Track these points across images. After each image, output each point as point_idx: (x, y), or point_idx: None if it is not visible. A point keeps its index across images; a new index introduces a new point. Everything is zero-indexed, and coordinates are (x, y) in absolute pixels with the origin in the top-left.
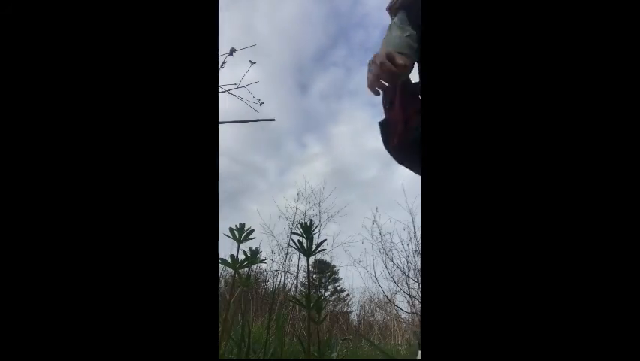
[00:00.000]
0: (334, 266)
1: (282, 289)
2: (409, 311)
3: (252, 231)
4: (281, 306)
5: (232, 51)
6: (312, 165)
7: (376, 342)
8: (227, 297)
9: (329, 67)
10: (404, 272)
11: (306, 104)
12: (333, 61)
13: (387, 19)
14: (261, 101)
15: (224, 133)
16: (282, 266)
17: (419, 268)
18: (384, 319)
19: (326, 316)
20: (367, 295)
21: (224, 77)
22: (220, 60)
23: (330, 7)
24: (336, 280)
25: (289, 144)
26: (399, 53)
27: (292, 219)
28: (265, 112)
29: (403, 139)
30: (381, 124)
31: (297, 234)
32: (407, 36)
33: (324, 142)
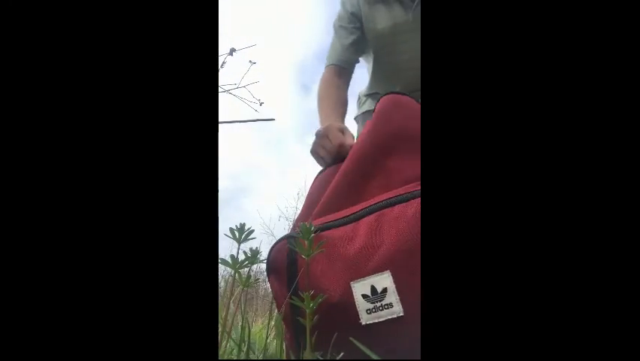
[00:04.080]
0: None
1: None
2: None
3: (252, 231)
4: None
5: (232, 51)
6: (314, 165)
7: None
8: (227, 297)
9: None
10: None
11: (309, 104)
12: None
13: None
14: (261, 101)
15: (225, 133)
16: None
17: None
18: None
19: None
20: None
21: (225, 77)
22: (220, 60)
23: (334, 6)
24: None
25: (291, 144)
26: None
27: (292, 219)
28: (267, 112)
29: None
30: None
31: (293, 234)
32: (350, 44)
33: None
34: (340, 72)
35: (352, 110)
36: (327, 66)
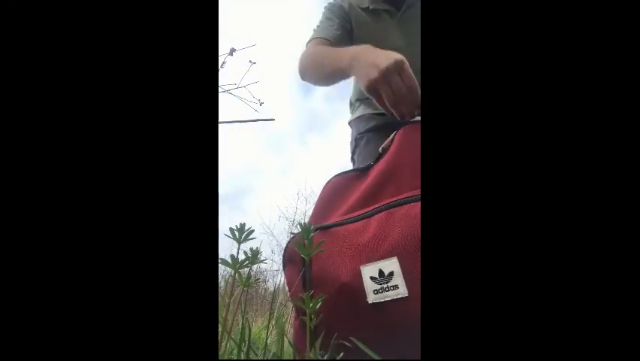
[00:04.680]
0: None
1: (282, 289)
2: None
3: (252, 231)
4: (281, 306)
5: (232, 51)
6: (315, 165)
7: None
8: (227, 297)
9: None
10: None
11: (310, 104)
12: None
13: None
14: (261, 101)
15: (225, 133)
16: (282, 266)
17: None
18: None
19: (320, 315)
20: None
21: (225, 77)
22: (220, 60)
23: None
24: None
25: (291, 144)
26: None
27: (292, 219)
28: (267, 112)
29: None
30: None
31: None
32: (341, 31)
33: (328, 142)
34: (323, 43)
35: (345, 113)
36: (313, 39)
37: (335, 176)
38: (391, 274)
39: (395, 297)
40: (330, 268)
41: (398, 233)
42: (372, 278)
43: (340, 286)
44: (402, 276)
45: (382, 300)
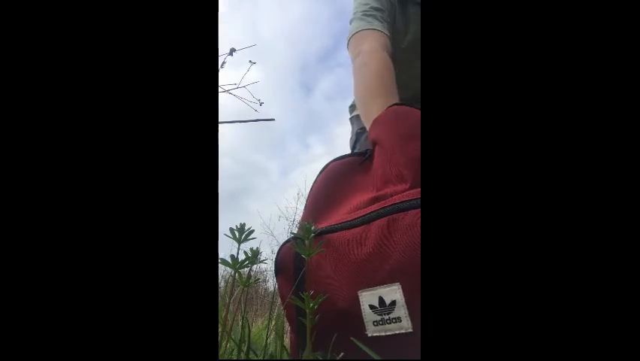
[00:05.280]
0: None
1: None
2: None
3: (252, 231)
4: (281, 306)
5: (232, 51)
6: (315, 165)
7: None
8: (227, 297)
9: (334, 68)
10: None
11: (310, 104)
12: (338, 62)
13: None
14: (261, 101)
15: (225, 133)
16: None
17: None
18: None
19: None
20: None
21: (225, 77)
22: (220, 60)
23: (335, 6)
24: None
25: (292, 144)
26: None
27: (292, 219)
28: (268, 112)
29: None
30: None
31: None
32: (388, 27)
33: (328, 142)
34: (389, 45)
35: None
36: (370, 29)
37: (332, 161)
38: (393, 303)
39: (397, 331)
40: (325, 287)
41: (401, 252)
42: (371, 307)
43: (335, 314)
44: (405, 307)
45: (383, 333)
